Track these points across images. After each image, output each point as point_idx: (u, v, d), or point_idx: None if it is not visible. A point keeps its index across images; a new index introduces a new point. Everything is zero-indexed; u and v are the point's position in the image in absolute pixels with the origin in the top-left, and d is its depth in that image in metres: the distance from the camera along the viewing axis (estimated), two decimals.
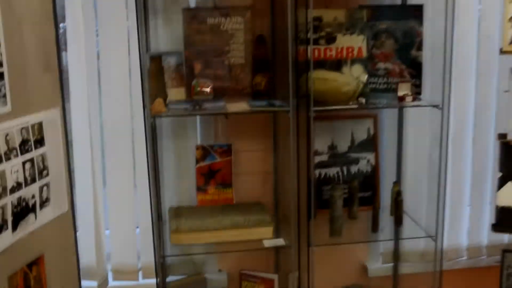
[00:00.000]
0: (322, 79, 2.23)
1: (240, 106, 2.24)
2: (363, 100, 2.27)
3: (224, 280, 2.63)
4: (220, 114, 2.36)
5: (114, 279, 2.56)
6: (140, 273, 2.57)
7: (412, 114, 2.57)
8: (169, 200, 2.53)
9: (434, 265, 2.41)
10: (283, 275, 2.48)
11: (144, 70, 2.08)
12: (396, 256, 2.75)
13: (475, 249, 2.84)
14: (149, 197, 2.16)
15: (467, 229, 2.83)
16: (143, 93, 2.08)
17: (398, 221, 2.43)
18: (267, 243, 2.29)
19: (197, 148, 2.47)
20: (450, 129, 2.53)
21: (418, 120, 2.58)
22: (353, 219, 2.46)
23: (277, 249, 2.58)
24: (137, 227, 2.55)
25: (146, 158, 2.14)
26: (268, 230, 2.33)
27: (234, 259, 2.63)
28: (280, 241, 2.31)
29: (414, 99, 2.30)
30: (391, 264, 2.77)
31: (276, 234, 2.37)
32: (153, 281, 2.34)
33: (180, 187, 2.53)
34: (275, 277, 2.50)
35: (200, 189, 2.48)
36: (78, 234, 2.43)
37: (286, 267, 2.38)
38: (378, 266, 2.77)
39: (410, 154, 2.64)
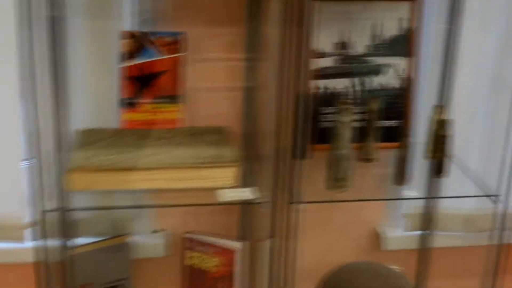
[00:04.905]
0: None
1: None
2: None
3: (159, 246, 1.82)
4: None
5: None
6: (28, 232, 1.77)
7: None
8: (76, 119, 1.70)
9: (490, 236, 1.81)
10: (252, 243, 1.67)
11: None
12: (428, 220, 1.93)
13: None
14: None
15: None
16: None
17: (439, 168, 1.63)
18: (224, 196, 1.47)
19: (123, 35, 1.62)
20: None
21: (482, 7, 1.74)
22: (367, 161, 1.68)
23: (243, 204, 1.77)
24: (26, 159, 1.72)
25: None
26: (227, 173, 1.51)
27: (177, 216, 1.83)
28: (246, 193, 1.48)
29: None
30: (419, 233, 1.97)
31: (243, 181, 1.57)
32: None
33: (95, 99, 1.70)
34: (237, 245, 1.69)
35: (126, 103, 1.66)
36: None
37: (256, 231, 1.57)
38: (399, 235, 1.97)
39: (466, 64, 1.80)
